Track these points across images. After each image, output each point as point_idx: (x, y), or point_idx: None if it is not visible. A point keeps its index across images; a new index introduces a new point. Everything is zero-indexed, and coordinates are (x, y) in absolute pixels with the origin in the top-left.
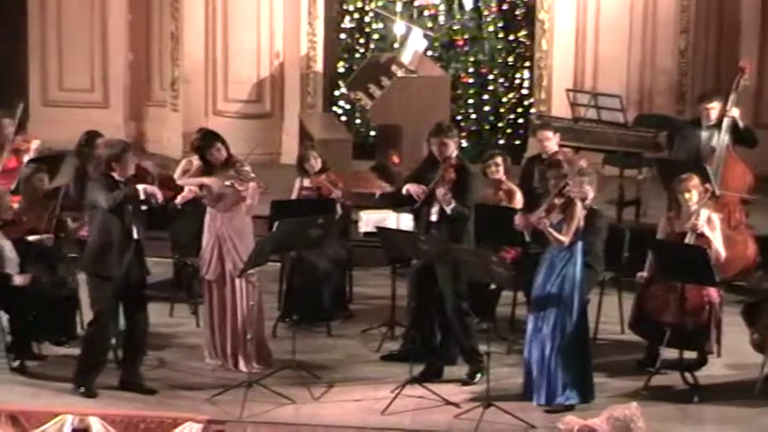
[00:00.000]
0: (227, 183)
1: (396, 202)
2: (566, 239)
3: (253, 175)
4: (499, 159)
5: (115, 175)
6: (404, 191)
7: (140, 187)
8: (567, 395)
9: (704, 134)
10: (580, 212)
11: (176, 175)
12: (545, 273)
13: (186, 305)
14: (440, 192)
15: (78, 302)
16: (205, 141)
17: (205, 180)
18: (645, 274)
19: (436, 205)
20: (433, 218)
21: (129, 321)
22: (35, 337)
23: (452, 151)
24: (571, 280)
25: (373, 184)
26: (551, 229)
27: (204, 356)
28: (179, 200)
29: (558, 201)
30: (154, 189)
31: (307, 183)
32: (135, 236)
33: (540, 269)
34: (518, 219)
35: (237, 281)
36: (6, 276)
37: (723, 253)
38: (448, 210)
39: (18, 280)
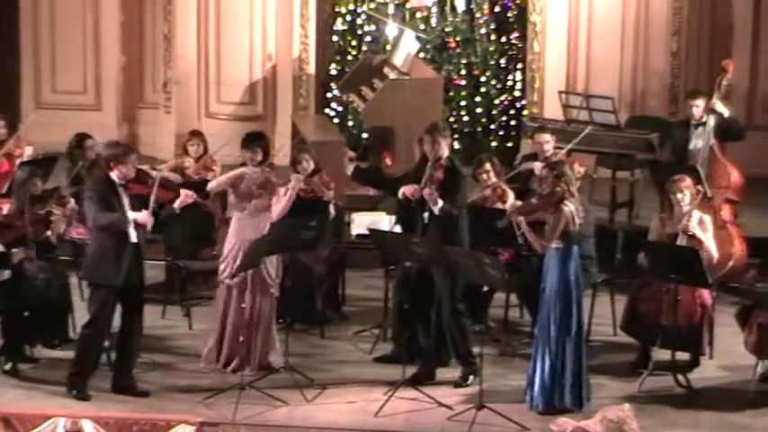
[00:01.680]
0: (266, 170)
1: (374, 180)
2: (546, 244)
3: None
4: (487, 165)
5: (114, 176)
6: (399, 194)
7: (131, 217)
8: (568, 399)
9: (692, 133)
10: (569, 216)
11: (164, 167)
12: (544, 276)
13: (179, 307)
14: (426, 191)
15: (71, 305)
16: (247, 142)
17: (242, 169)
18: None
19: (427, 208)
20: (426, 221)
21: (125, 324)
22: (27, 340)
23: (444, 151)
24: (569, 282)
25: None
26: (529, 230)
27: (201, 360)
28: (177, 204)
29: (540, 201)
30: (144, 219)
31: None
32: (134, 239)
33: (542, 272)
34: (509, 206)
35: (258, 286)
36: (7, 255)
37: (716, 254)
38: (435, 210)
39: (18, 255)
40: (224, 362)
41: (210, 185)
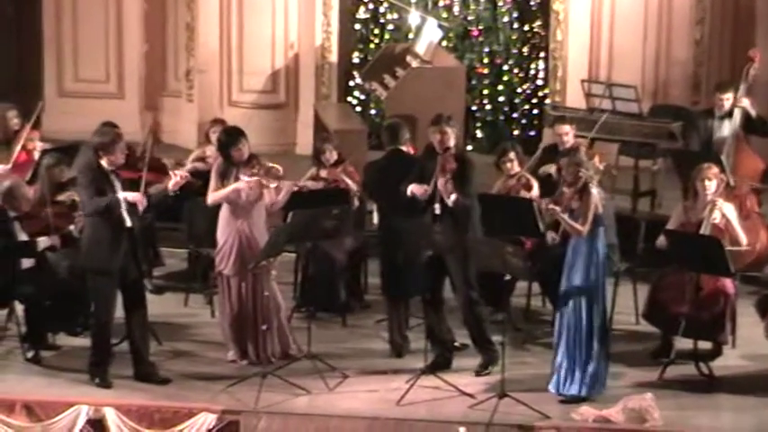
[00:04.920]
0: (251, 177)
1: None
2: (583, 229)
3: (282, 173)
4: (512, 154)
5: (104, 163)
6: (408, 192)
7: (121, 197)
8: (592, 386)
9: (716, 124)
10: (597, 200)
11: (188, 162)
12: (570, 263)
13: (201, 295)
14: (441, 182)
15: None
16: (230, 139)
17: (238, 185)
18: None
19: (438, 199)
20: (437, 211)
21: (129, 313)
22: (50, 328)
23: (452, 141)
24: (596, 267)
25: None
26: (567, 218)
27: (228, 351)
28: (171, 186)
29: (569, 190)
30: (135, 197)
31: (323, 173)
32: (128, 224)
33: (566, 259)
34: (545, 204)
35: (255, 274)
36: (33, 243)
37: (745, 239)
38: (449, 201)
39: (43, 243)
40: (242, 349)
41: (210, 200)
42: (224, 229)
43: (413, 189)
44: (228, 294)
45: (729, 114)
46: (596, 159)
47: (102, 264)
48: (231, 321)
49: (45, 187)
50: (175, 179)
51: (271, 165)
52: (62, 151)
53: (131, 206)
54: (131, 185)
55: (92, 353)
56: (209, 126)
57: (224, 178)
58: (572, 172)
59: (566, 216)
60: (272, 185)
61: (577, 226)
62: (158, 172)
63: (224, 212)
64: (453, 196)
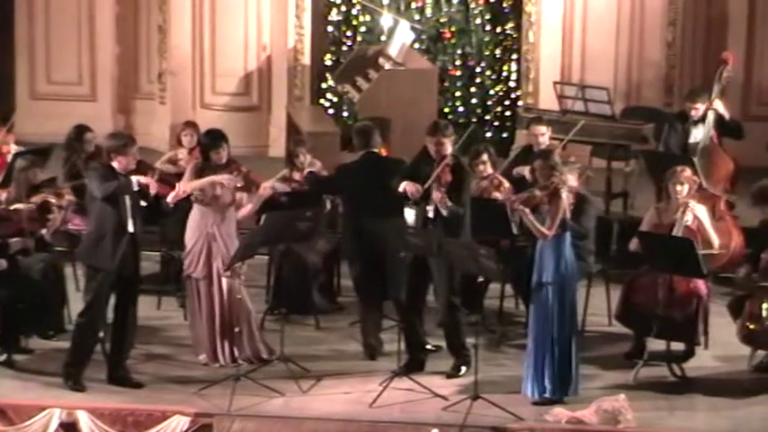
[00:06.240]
0: (237, 180)
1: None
2: (548, 233)
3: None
4: (485, 157)
5: (116, 165)
6: (400, 188)
7: (134, 178)
8: (565, 388)
9: (690, 127)
10: (566, 204)
11: (159, 164)
12: (538, 265)
13: (174, 298)
14: (436, 195)
15: (66, 296)
16: (211, 142)
17: (217, 178)
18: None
19: (432, 203)
20: (430, 214)
21: (119, 315)
22: (23, 331)
23: (449, 150)
24: (564, 270)
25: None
26: (533, 220)
27: (196, 353)
28: (170, 199)
29: (540, 192)
30: (148, 180)
31: (296, 176)
32: (130, 229)
33: (534, 261)
34: (503, 197)
35: (224, 278)
36: (5, 245)
37: (717, 241)
38: (444, 212)
39: (16, 245)
40: (212, 352)
41: (185, 186)
42: (193, 232)
43: (406, 186)
44: (198, 297)
45: (703, 118)
46: (571, 160)
47: (99, 262)
48: (202, 324)
49: (20, 190)
50: (176, 192)
51: (250, 173)
52: (35, 153)
53: (135, 211)
54: (140, 191)
55: (70, 353)
56: (181, 129)
57: (199, 177)
58: (545, 175)
59: (533, 218)
60: (245, 192)
61: (543, 229)
62: (167, 182)
63: (194, 215)
64: (449, 206)
